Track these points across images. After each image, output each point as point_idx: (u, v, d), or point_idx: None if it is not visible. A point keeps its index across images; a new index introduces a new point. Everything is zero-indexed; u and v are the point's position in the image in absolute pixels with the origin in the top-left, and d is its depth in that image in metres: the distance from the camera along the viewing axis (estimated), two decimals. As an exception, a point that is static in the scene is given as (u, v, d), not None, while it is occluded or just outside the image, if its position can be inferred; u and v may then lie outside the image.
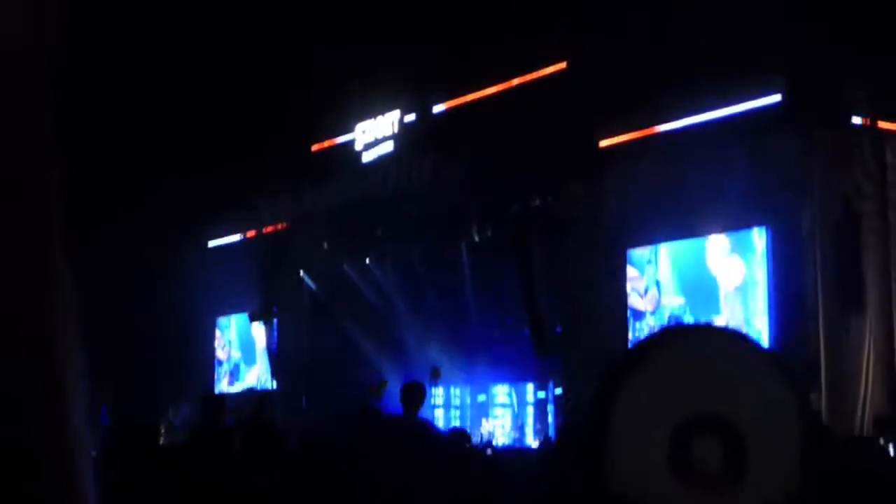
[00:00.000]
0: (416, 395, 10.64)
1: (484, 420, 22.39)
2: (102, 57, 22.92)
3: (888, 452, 12.17)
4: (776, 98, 16.26)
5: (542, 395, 21.67)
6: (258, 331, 26.37)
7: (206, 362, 28.19)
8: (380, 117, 22.03)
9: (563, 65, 18.80)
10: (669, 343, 1.52)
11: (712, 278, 17.69)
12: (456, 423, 22.96)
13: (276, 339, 25.40)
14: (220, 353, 28.25)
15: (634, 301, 18.81)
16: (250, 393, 25.48)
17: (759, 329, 16.79)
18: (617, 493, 1.45)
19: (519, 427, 21.80)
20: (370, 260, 24.17)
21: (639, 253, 18.74)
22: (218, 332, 28.32)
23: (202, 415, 11.14)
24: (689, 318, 17.54)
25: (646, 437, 1.44)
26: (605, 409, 1.49)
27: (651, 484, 1.42)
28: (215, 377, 28.07)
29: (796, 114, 16.17)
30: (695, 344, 1.51)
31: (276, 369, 25.18)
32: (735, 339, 1.52)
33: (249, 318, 25.23)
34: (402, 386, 10.85)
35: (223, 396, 23.72)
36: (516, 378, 22.23)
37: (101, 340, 25.99)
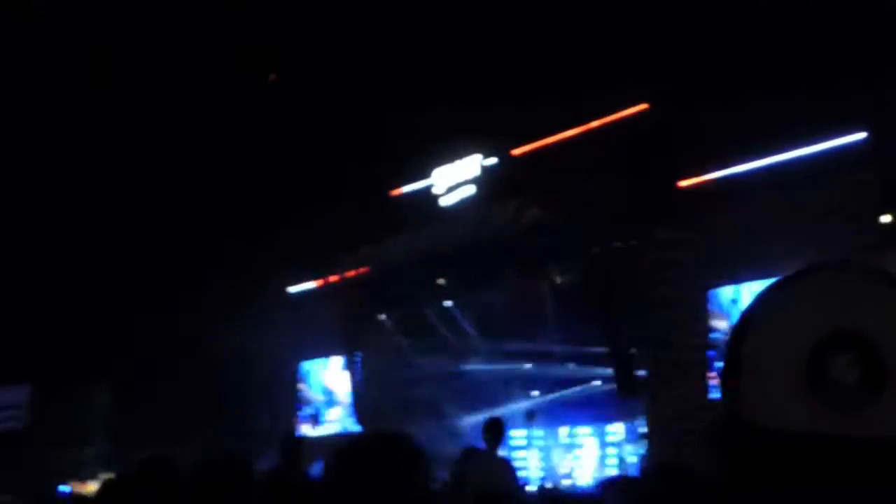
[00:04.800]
0: (497, 431, 10.76)
1: (564, 460, 22.32)
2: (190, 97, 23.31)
3: None
4: (862, 136, 16.07)
5: (623, 434, 21.67)
6: (342, 374, 26.49)
7: (290, 407, 28.26)
8: (458, 161, 22.09)
9: (644, 106, 18.79)
10: (801, 275, 1.52)
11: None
12: (539, 463, 22.90)
13: (360, 382, 25.46)
14: (304, 398, 28.34)
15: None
16: (337, 437, 25.53)
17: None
18: (754, 421, 1.44)
19: (600, 467, 21.71)
20: (452, 303, 24.20)
21: (724, 292, 18.58)
22: (302, 377, 28.43)
23: (281, 457, 11.31)
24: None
25: (782, 362, 1.42)
26: (738, 341, 1.49)
27: (789, 407, 1.41)
28: (298, 421, 28.14)
29: (880, 152, 16.00)
30: (827, 271, 1.51)
31: (361, 413, 25.20)
32: (868, 269, 1.51)
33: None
34: (483, 423, 10.97)
35: (302, 439, 23.83)
36: (599, 419, 22.11)
37: (182, 391, 26.11)
